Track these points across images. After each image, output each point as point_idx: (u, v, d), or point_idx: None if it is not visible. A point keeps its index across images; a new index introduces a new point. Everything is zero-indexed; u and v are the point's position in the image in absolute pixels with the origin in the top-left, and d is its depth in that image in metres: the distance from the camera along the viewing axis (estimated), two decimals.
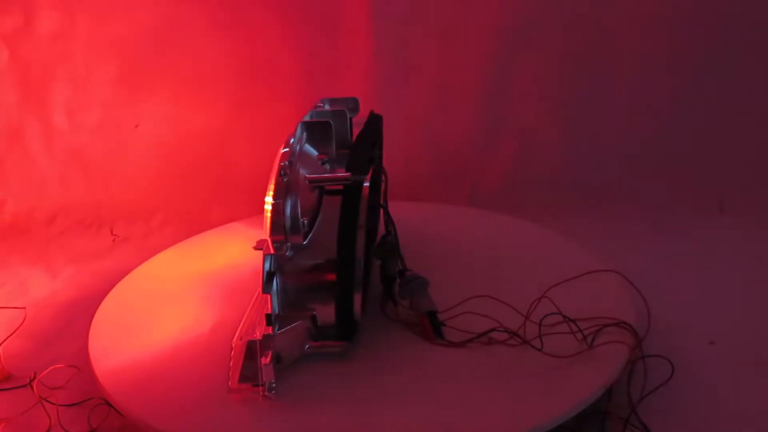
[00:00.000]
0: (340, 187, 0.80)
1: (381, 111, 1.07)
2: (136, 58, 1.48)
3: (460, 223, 1.20)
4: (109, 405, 0.77)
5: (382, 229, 0.92)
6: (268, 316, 0.74)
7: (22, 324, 0.97)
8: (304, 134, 0.85)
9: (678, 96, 1.41)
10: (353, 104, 1.02)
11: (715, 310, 0.97)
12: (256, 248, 0.77)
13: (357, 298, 0.78)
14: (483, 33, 1.44)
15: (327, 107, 1.02)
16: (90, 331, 0.88)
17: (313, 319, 0.79)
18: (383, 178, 1.03)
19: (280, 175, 0.77)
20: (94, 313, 0.93)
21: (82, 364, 0.86)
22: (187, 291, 0.98)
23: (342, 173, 0.81)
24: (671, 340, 0.88)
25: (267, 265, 0.75)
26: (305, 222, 0.79)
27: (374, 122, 1.02)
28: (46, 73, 1.47)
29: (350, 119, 0.97)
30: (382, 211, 0.91)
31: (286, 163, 0.78)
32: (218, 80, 1.51)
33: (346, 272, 0.77)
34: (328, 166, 0.86)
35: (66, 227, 1.41)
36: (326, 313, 0.78)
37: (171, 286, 1.01)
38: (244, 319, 0.85)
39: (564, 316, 0.78)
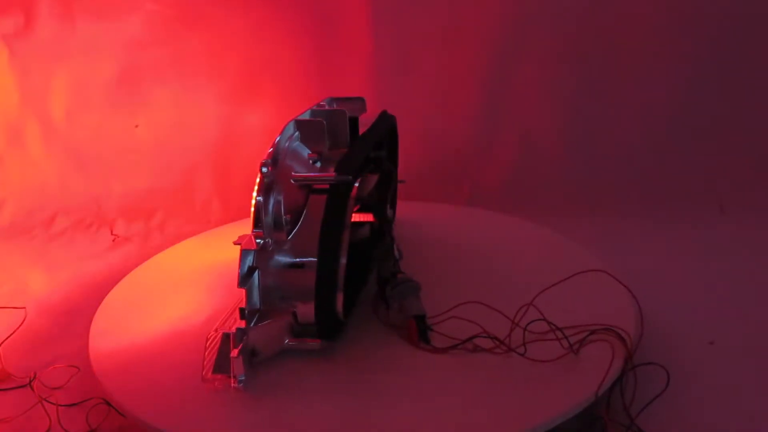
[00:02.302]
0: (327, 186, 0.80)
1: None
2: (136, 59, 1.48)
3: (460, 223, 1.20)
4: (109, 405, 0.77)
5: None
6: (242, 310, 0.75)
7: (22, 324, 0.97)
8: (297, 133, 0.86)
9: (678, 96, 1.41)
10: (359, 104, 1.02)
11: (715, 310, 0.97)
12: (236, 243, 0.78)
13: (339, 298, 0.77)
14: (483, 33, 1.44)
15: (334, 106, 1.01)
16: (90, 331, 0.88)
17: (295, 316, 0.79)
18: (394, 180, 1.03)
19: (261, 171, 0.78)
20: (94, 313, 0.93)
21: (82, 364, 0.86)
22: (188, 290, 0.99)
23: (328, 172, 0.81)
24: (671, 340, 0.88)
25: (245, 260, 0.76)
26: (288, 219, 0.79)
27: (383, 123, 1.01)
28: (46, 73, 1.47)
29: (354, 119, 0.97)
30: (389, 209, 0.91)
31: (268, 160, 0.78)
32: (218, 80, 1.51)
33: (325, 272, 0.77)
34: (319, 165, 0.86)
35: (66, 227, 1.41)
36: (306, 311, 0.78)
37: (171, 285, 1.01)
38: (227, 311, 0.85)
39: (549, 323, 0.76)
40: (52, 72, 1.47)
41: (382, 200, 1.00)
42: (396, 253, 0.88)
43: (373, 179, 0.96)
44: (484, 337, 0.77)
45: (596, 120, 1.45)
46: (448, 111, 1.48)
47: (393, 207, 1.12)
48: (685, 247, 1.20)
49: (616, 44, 1.41)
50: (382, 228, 0.95)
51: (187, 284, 1.00)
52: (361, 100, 1.02)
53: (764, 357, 0.86)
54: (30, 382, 0.84)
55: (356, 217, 1.03)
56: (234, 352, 0.72)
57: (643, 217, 1.31)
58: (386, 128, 1.03)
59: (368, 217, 1.01)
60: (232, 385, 0.73)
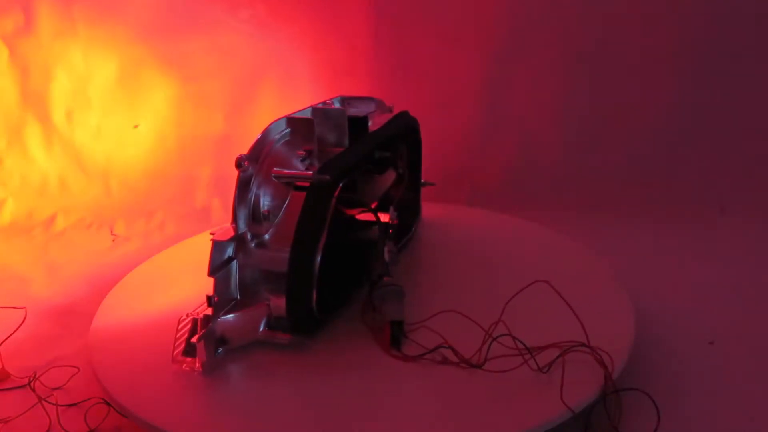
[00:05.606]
0: (307, 184, 0.81)
1: None
2: (136, 58, 1.48)
3: (459, 223, 1.20)
4: (109, 405, 0.77)
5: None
6: (209, 298, 0.76)
7: (22, 324, 0.97)
8: (287, 130, 0.86)
9: (679, 96, 1.41)
10: (370, 103, 1.02)
11: (715, 310, 0.97)
12: (211, 233, 0.79)
13: (312, 295, 0.77)
14: (483, 34, 1.44)
15: (342, 105, 1.01)
16: (90, 331, 0.88)
17: (270, 308, 0.80)
18: (401, 183, 1.02)
19: (236, 166, 0.78)
20: (95, 312, 0.93)
21: (82, 364, 0.86)
22: (188, 289, 0.98)
23: (308, 171, 0.82)
24: (670, 339, 0.88)
25: (217, 251, 0.77)
26: (266, 214, 0.80)
27: (394, 124, 1.01)
28: (46, 73, 1.47)
29: (360, 118, 0.96)
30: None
31: (244, 155, 0.79)
32: (218, 80, 1.51)
33: (297, 268, 0.77)
34: (307, 163, 0.86)
35: (66, 227, 1.41)
36: (279, 304, 0.78)
37: (171, 285, 1.01)
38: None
39: (515, 339, 0.73)
40: (52, 72, 1.47)
41: (386, 202, 1.00)
42: (387, 256, 0.88)
43: (385, 180, 0.96)
44: (446, 348, 0.76)
45: (596, 120, 1.45)
46: (448, 111, 1.48)
47: (412, 210, 1.12)
48: (686, 247, 1.20)
49: (616, 45, 1.41)
50: (394, 228, 0.95)
51: (186, 283, 1.00)
52: (372, 100, 1.02)
53: (764, 357, 0.86)
54: (30, 382, 0.84)
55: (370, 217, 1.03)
56: (194, 338, 0.73)
57: (642, 217, 1.31)
58: (398, 129, 1.01)
59: (384, 218, 1.01)
60: (197, 367, 0.74)
